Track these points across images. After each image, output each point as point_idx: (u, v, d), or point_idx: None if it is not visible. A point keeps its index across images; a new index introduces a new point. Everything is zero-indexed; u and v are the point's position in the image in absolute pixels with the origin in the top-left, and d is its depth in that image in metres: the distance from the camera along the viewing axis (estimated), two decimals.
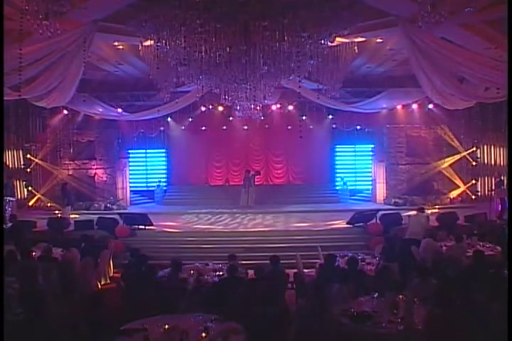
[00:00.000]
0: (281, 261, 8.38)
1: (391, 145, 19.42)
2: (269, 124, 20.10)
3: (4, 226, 13.14)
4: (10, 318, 5.84)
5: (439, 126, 18.56)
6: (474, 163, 18.86)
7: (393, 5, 9.94)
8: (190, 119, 20.17)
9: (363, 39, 12.05)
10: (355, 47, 12.21)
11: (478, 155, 18.83)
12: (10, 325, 5.64)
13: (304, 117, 19.65)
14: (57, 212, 17.14)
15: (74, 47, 10.67)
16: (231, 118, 19.70)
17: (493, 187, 17.02)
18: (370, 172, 20.74)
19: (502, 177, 16.32)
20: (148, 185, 21.68)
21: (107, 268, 11.00)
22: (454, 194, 18.92)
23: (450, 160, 18.80)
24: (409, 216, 12.32)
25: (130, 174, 20.69)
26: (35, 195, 18.96)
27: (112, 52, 13.82)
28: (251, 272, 8.10)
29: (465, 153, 18.81)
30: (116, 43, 12.72)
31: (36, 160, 18.91)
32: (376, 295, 6.37)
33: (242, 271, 8.55)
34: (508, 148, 14.94)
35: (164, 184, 21.47)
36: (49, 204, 18.44)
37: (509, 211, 13.44)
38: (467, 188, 18.93)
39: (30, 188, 18.96)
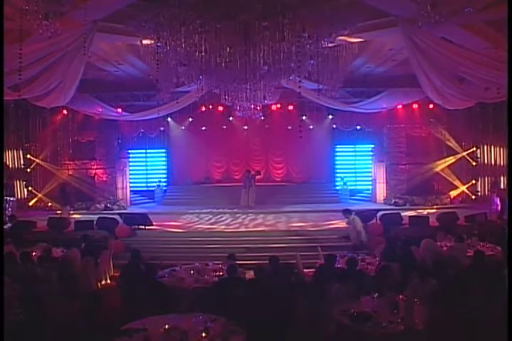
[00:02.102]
0: (282, 261, 8.37)
1: (391, 145, 19.43)
2: (269, 124, 20.14)
3: (4, 226, 13.13)
4: (10, 318, 5.84)
5: (439, 126, 18.54)
6: (474, 163, 18.85)
7: (393, 5, 9.94)
8: (191, 119, 20.24)
9: (363, 39, 12.04)
10: (356, 48, 12.19)
11: (478, 155, 18.83)
12: (10, 325, 5.64)
13: (304, 117, 19.65)
14: (59, 212, 17.12)
15: (74, 47, 10.67)
16: (231, 118, 19.76)
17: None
18: (370, 172, 20.73)
19: (500, 178, 16.32)
20: (148, 185, 21.67)
21: (107, 268, 10.98)
22: (454, 194, 18.91)
23: (450, 160, 18.78)
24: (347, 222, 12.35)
25: (130, 174, 20.66)
26: (35, 195, 18.94)
27: (112, 52, 13.82)
28: (251, 272, 8.08)
29: (465, 153, 18.80)
30: (116, 43, 12.71)
31: (37, 161, 18.89)
32: (376, 295, 6.37)
33: (241, 270, 8.53)
34: (508, 148, 14.93)
35: (164, 184, 21.46)
36: (50, 204, 18.41)
37: (509, 211, 13.42)
38: (467, 188, 18.92)
39: (30, 188, 18.94)
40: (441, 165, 18.77)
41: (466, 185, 18.88)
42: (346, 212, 11.73)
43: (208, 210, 17.73)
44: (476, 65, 10.60)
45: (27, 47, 9.25)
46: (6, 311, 5.79)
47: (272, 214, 17.02)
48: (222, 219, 16.52)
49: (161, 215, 16.61)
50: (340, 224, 14.62)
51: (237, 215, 16.92)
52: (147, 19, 8.58)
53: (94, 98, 17.15)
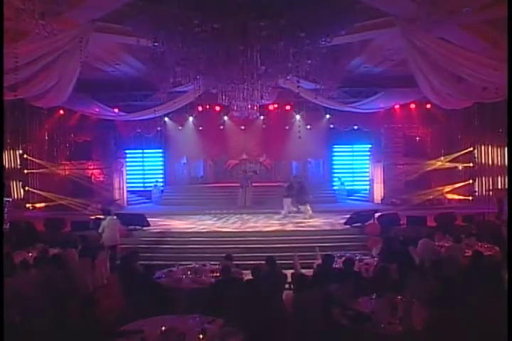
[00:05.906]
0: (279, 262, 8.33)
1: (389, 145, 19.40)
2: (267, 124, 20.16)
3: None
4: (8, 320, 5.80)
5: (438, 126, 18.56)
6: (472, 164, 18.82)
7: (392, 5, 9.92)
8: (189, 119, 20.22)
9: (361, 39, 12.04)
10: (354, 47, 12.20)
11: (476, 156, 18.81)
12: (8, 326, 5.60)
13: (298, 117, 19.66)
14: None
15: (71, 46, 10.63)
16: (226, 117, 19.81)
17: (491, 188, 17.00)
18: (368, 172, 20.73)
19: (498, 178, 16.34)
20: (146, 185, 21.64)
21: (103, 269, 10.94)
22: (451, 194, 18.89)
23: (448, 159, 18.77)
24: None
25: (127, 174, 20.62)
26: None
27: (109, 52, 13.77)
28: (248, 273, 8.05)
29: (462, 153, 18.77)
30: (113, 43, 12.67)
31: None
32: (375, 295, 6.35)
33: (239, 271, 8.49)
34: (508, 148, 14.93)
35: (161, 184, 21.43)
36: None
37: (509, 211, 13.41)
38: (465, 188, 18.89)
39: (26, 188, 18.80)
40: (439, 164, 18.75)
41: (464, 184, 18.84)
42: (106, 212, 11.51)
43: (205, 211, 17.66)
44: (475, 65, 10.59)
45: (23, 47, 9.22)
46: (4, 312, 5.75)
47: (269, 214, 16.97)
48: (220, 219, 16.46)
49: (158, 215, 16.55)
50: (338, 224, 14.65)
51: (235, 215, 16.88)
52: (145, 19, 8.55)
53: (91, 98, 17.11)
